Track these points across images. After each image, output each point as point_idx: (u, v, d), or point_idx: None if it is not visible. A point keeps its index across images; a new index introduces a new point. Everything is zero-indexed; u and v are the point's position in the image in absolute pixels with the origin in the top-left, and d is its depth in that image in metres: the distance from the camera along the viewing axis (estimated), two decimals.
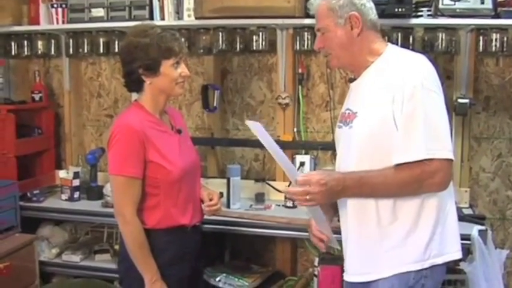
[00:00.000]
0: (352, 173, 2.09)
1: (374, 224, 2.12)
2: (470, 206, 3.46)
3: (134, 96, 3.76)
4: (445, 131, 2.05)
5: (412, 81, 2.02)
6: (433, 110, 2.03)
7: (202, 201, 2.66)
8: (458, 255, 2.17)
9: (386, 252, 2.11)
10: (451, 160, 2.04)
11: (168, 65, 2.42)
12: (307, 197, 2.06)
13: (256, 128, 2.16)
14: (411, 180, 2.02)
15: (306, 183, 2.05)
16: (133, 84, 2.50)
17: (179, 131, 2.58)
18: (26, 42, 4.01)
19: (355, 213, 2.16)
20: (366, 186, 2.07)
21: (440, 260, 2.11)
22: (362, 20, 2.16)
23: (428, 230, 2.08)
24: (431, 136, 2.00)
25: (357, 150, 2.14)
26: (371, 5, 2.22)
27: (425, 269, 2.08)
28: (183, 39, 2.55)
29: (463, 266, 2.88)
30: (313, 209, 2.20)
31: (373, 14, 2.21)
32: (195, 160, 2.63)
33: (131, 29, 2.58)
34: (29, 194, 3.66)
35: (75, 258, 3.61)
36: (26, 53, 4.03)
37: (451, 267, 2.91)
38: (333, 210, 2.35)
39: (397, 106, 2.03)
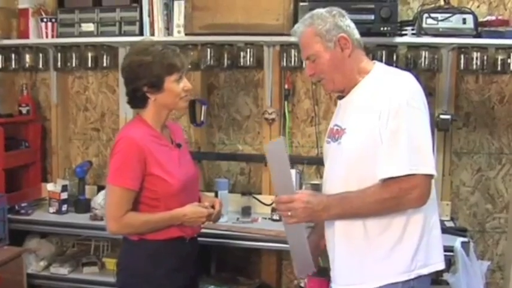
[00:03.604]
0: (336, 194, 2.16)
1: (361, 236, 2.17)
2: (452, 219, 3.55)
3: (122, 111, 3.87)
4: (428, 147, 2.10)
5: (397, 99, 2.09)
6: (416, 127, 2.09)
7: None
8: (442, 265, 2.24)
9: (374, 263, 2.17)
10: (431, 176, 2.10)
11: (171, 80, 2.47)
12: (290, 213, 2.15)
13: (273, 147, 2.21)
14: (389, 197, 2.07)
15: (290, 200, 2.13)
16: (138, 100, 2.53)
17: (179, 145, 2.63)
18: (13, 55, 4.03)
19: (342, 224, 2.22)
20: (347, 205, 2.13)
21: (426, 271, 2.18)
22: (350, 41, 2.22)
23: (415, 241, 2.15)
24: (414, 152, 2.06)
25: (345, 166, 2.20)
26: (353, 25, 2.28)
27: (412, 279, 2.14)
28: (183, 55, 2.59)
29: (446, 277, 2.97)
30: (292, 230, 2.27)
31: (357, 33, 2.27)
32: (194, 174, 2.67)
33: (132, 48, 2.62)
34: (17, 207, 3.67)
35: (63, 270, 3.62)
36: (13, 66, 4.05)
37: (435, 278, 3.00)
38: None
39: (382, 122, 2.09)
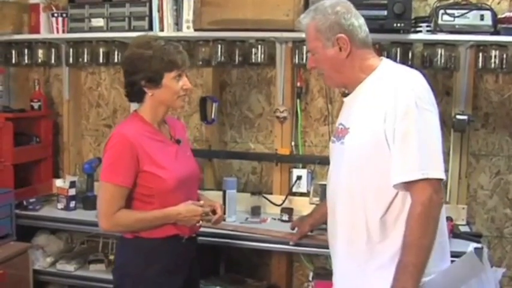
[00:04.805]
0: (395, 272, 2.00)
1: (364, 241, 2.10)
2: (468, 223, 3.43)
3: (133, 107, 3.81)
4: (439, 150, 2.02)
5: (405, 100, 2.01)
6: (426, 129, 2.01)
7: None
8: None
9: (375, 271, 2.09)
10: (441, 180, 2.01)
11: (170, 77, 2.43)
12: None
13: None
14: (422, 210, 1.97)
15: None
16: (135, 95, 2.51)
17: (178, 141, 2.59)
18: (26, 50, 4.03)
19: (345, 229, 2.16)
20: (410, 269, 1.96)
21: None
22: (350, 41, 2.14)
23: None
24: (425, 156, 1.98)
25: (347, 166, 2.14)
26: (360, 22, 2.18)
27: None
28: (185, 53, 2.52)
29: None
30: None
31: (362, 32, 2.18)
32: (193, 171, 2.62)
33: (134, 40, 2.58)
34: (25, 203, 3.64)
35: (70, 267, 3.60)
36: (26, 61, 4.06)
37: None
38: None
39: (389, 125, 2.01)
